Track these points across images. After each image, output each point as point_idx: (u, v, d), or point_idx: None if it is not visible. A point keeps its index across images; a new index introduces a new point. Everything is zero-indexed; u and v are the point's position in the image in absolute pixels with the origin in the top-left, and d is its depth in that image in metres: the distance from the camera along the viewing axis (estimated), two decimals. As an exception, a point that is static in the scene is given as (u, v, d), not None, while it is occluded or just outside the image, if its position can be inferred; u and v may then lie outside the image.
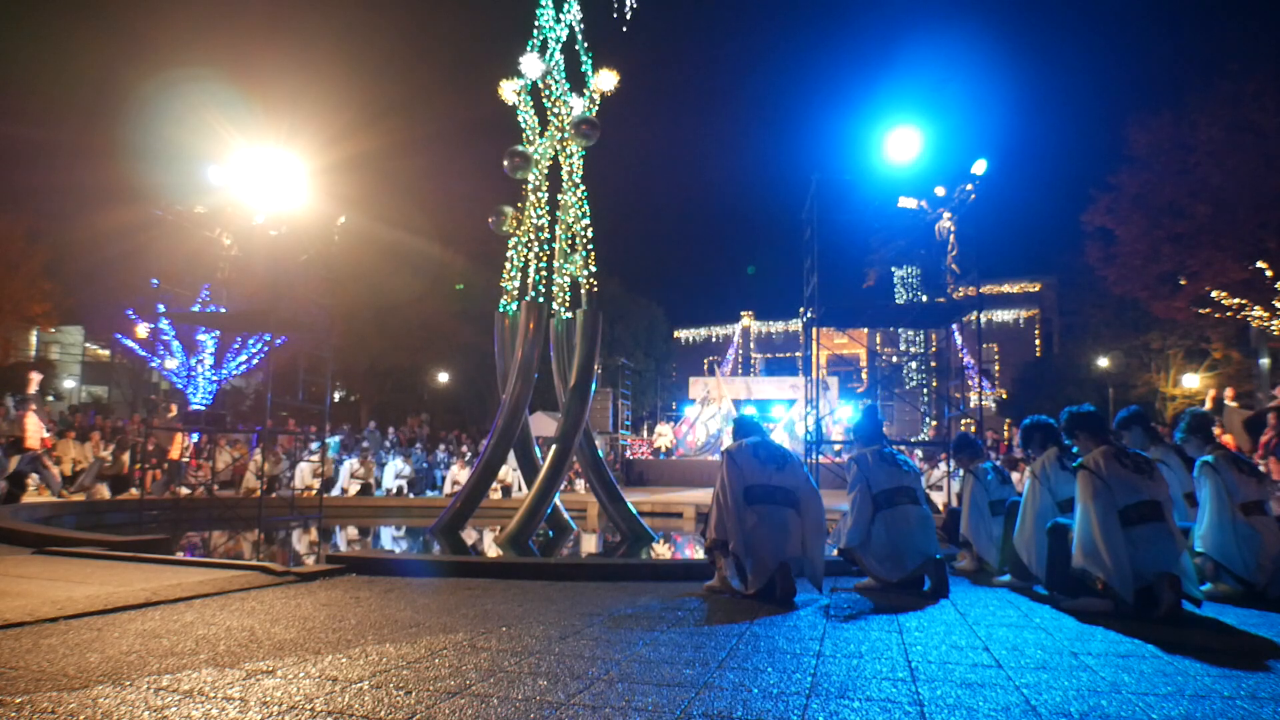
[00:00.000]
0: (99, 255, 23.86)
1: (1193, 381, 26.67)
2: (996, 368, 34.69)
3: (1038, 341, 37.14)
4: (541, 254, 9.90)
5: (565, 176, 9.84)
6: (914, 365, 34.31)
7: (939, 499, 10.93)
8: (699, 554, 9.98)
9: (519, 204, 9.77)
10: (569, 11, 9.96)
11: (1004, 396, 31.81)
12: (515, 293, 9.76)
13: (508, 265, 9.79)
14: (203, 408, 14.12)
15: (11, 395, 11.89)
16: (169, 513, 10.51)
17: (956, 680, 2.70)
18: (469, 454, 16.12)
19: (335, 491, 13.96)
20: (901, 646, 3.22)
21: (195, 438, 13.87)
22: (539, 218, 9.81)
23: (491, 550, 9.08)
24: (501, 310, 9.78)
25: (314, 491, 11.78)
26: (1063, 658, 3.04)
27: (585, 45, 10.00)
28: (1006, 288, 37.29)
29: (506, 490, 14.21)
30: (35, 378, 11.80)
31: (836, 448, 18.48)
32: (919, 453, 15.13)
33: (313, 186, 12.43)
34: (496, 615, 3.82)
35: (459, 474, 14.55)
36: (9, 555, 5.69)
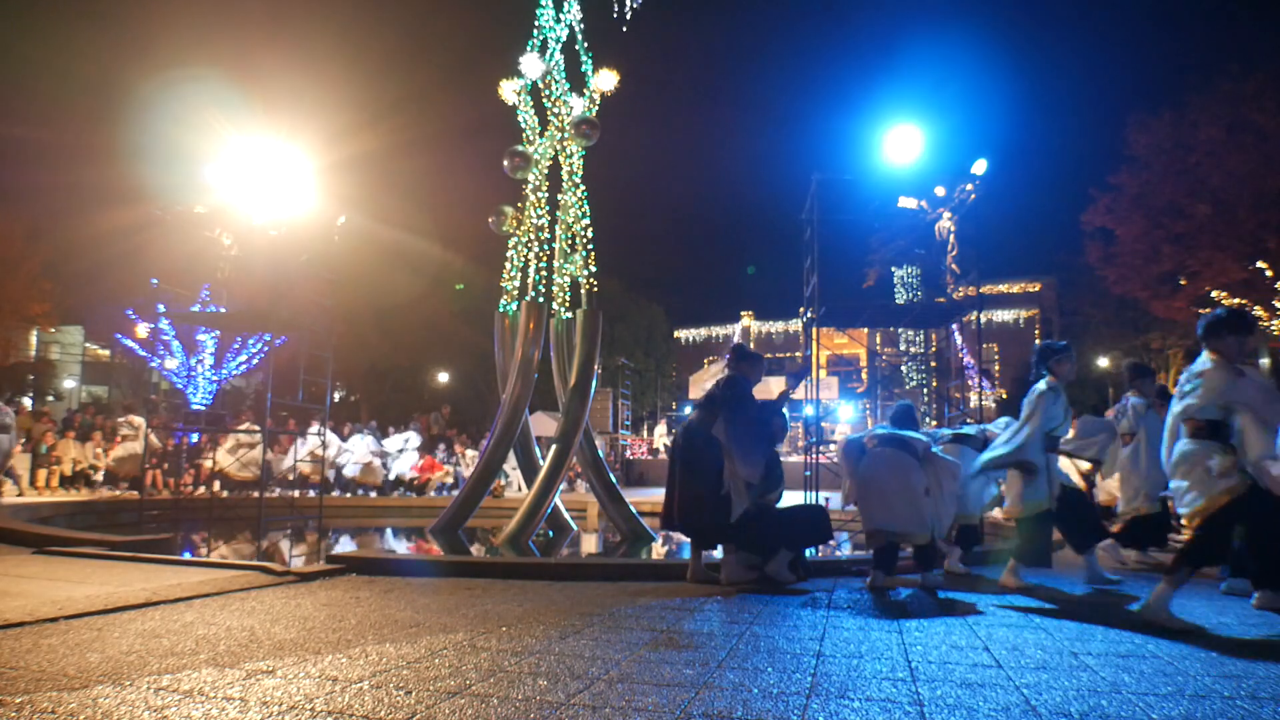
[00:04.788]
0: (99, 255, 23.85)
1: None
2: (996, 368, 34.67)
3: (1038, 341, 37.10)
4: (541, 254, 9.89)
5: (565, 176, 9.83)
6: (914, 365, 34.30)
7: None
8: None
9: (519, 204, 9.77)
10: (569, 11, 9.96)
11: (1004, 396, 31.77)
12: (515, 293, 9.76)
13: (508, 265, 9.79)
14: (203, 408, 14.11)
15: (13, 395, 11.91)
16: (169, 513, 10.51)
17: (956, 680, 2.70)
18: (469, 454, 16.10)
19: (348, 471, 13.98)
20: (901, 646, 3.22)
21: (195, 438, 13.86)
22: (539, 218, 9.81)
23: (489, 551, 9.08)
24: (501, 310, 9.78)
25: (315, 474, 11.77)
26: (1063, 658, 3.04)
27: (585, 45, 10.00)
28: (1006, 288, 37.28)
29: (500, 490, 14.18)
30: None
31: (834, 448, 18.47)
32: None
33: (313, 186, 12.42)
34: (496, 615, 3.82)
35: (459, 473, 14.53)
36: (9, 555, 5.69)
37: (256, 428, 13.74)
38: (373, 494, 14.05)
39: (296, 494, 12.07)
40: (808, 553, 5.26)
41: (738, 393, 4.87)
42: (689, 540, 5.09)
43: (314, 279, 10.84)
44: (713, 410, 4.81)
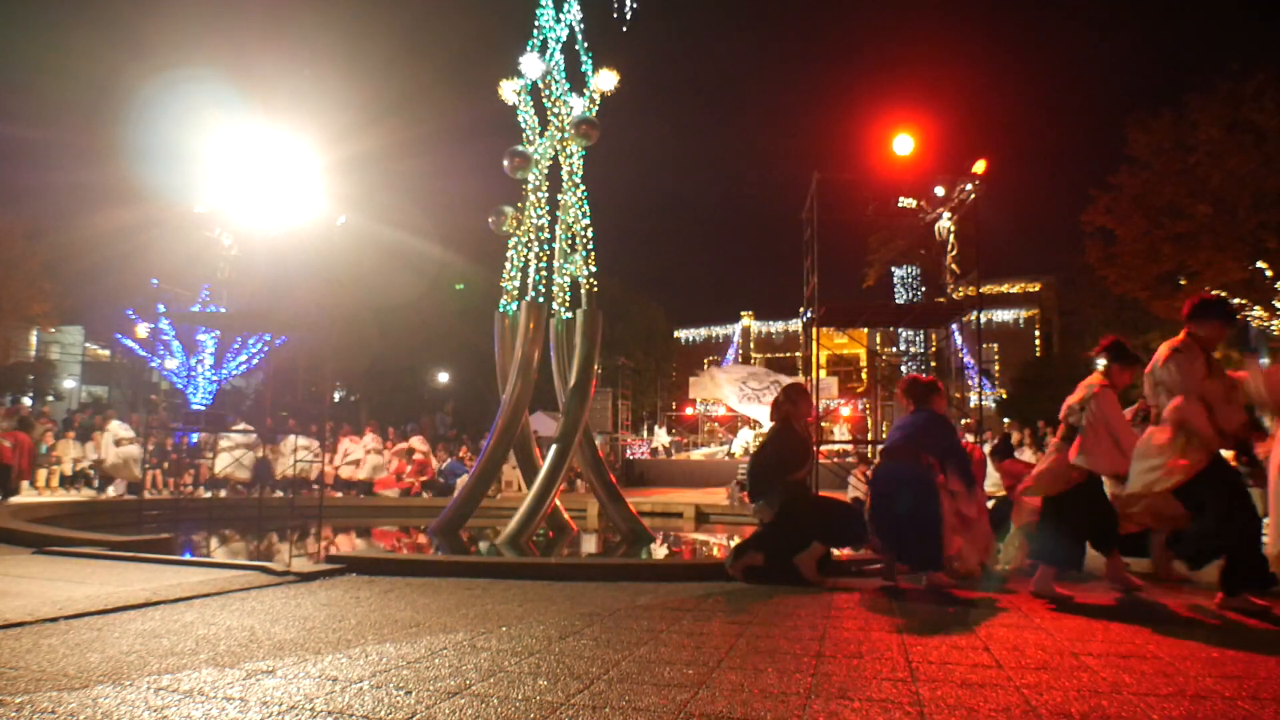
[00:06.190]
0: (99, 255, 23.85)
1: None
2: (996, 368, 34.69)
3: (1038, 341, 37.15)
4: (541, 254, 9.89)
5: (565, 176, 9.83)
6: (914, 365, 34.30)
7: None
8: (699, 553, 9.98)
9: (519, 204, 9.76)
10: (569, 11, 9.95)
11: (1004, 396, 31.81)
12: (515, 293, 9.76)
13: (508, 265, 9.79)
14: (203, 408, 14.12)
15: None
16: (169, 513, 10.51)
17: (956, 680, 2.70)
18: (469, 454, 16.11)
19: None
20: (901, 646, 3.22)
21: (195, 438, 13.87)
22: (539, 218, 9.80)
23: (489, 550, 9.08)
24: (501, 310, 9.78)
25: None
26: (1063, 658, 3.04)
27: (585, 45, 9.99)
28: (1006, 288, 37.30)
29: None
30: None
31: (838, 448, 18.50)
32: None
33: (313, 187, 12.42)
34: (496, 615, 3.82)
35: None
36: (9, 555, 5.69)
37: (250, 428, 13.73)
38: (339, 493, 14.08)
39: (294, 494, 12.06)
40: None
41: (957, 437, 5.04)
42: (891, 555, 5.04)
43: (314, 279, 10.86)
44: (933, 455, 4.82)
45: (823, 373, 27.36)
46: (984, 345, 30.19)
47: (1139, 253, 20.51)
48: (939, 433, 4.88)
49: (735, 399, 23.41)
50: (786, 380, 22.47)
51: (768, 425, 5.81)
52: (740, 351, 41.19)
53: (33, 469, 12.47)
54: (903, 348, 35.16)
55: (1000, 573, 5.15)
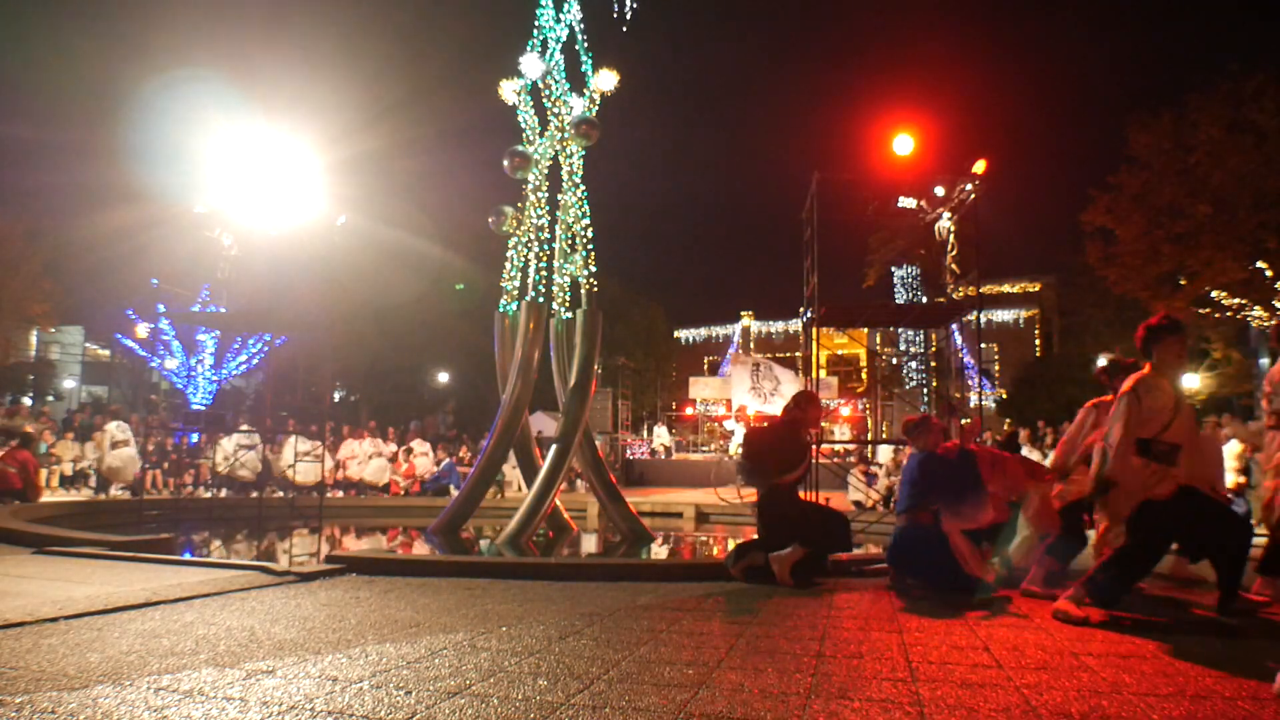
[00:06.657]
0: (99, 255, 23.84)
1: (1193, 381, 26.59)
2: (996, 368, 34.67)
3: (1038, 341, 37.14)
4: (541, 254, 9.89)
5: (565, 176, 9.84)
6: (914, 365, 34.30)
7: None
8: (699, 553, 9.98)
9: (519, 204, 9.77)
10: (569, 11, 9.96)
11: (1004, 396, 31.81)
12: (515, 293, 9.76)
13: (508, 265, 9.79)
14: (203, 408, 14.12)
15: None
16: (169, 513, 10.51)
17: (956, 680, 2.70)
18: (469, 454, 16.11)
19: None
20: (901, 646, 3.22)
21: (195, 438, 13.87)
22: (539, 218, 9.81)
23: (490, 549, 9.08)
24: (501, 310, 9.78)
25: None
26: (1063, 658, 3.04)
27: (585, 45, 10.00)
28: (1006, 288, 37.27)
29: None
30: None
31: (839, 449, 18.52)
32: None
33: (314, 187, 12.42)
34: (496, 615, 3.82)
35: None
36: (9, 555, 5.69)
37: (252, 429, 13.74)
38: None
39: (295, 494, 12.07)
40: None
41: (946, 478, 4.89)
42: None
43: (314, 279, 10.86)
44: (933, 502, 4.80)
45: (823, 373, 27.36)
46: (984, 345, 30.21)
47: (1139, 253, 20.48)
48: (930, 475, 4.89)
49: (745, 390, 23.22)
50: (787, 383, 22.46)
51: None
52: (740, 351, 41.17)
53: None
54: (903, 348, 35.13)
55: (1004, 573, 5.15)
